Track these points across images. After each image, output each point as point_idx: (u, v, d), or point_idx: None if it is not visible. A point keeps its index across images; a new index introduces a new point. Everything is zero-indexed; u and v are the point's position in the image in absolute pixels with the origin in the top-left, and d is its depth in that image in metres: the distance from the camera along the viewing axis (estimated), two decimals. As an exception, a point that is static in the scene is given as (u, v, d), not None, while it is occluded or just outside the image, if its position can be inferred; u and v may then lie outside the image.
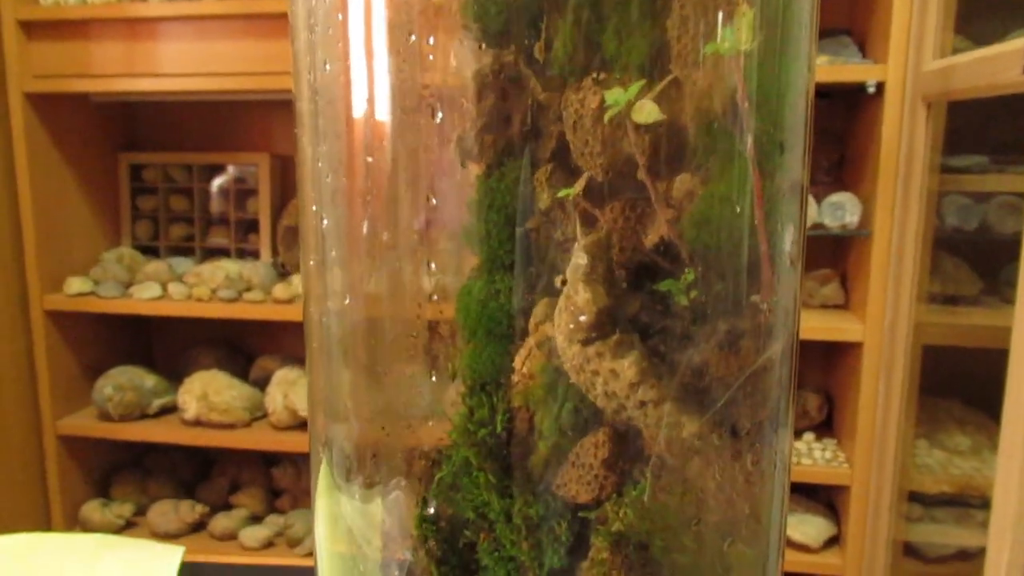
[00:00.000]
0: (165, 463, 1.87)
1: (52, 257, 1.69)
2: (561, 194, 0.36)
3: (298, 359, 1.81)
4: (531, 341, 0.40)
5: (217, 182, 1.89)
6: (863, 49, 1.46)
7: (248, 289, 1.65)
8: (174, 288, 1.66)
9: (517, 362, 0.41)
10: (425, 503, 0.39)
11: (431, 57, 0.33)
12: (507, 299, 0.42)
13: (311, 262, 0.33)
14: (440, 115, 0.34)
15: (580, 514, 0.38)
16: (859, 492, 1.43)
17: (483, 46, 0.41)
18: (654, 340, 0.31)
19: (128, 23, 1.55)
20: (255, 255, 1.85)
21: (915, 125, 1.29)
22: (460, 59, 0.42)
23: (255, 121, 1.89)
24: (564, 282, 0.31)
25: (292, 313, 1.61)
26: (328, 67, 0.31)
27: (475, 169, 0.43)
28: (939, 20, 1.28)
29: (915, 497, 1.46)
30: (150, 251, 1.89)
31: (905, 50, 1.30)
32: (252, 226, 1.88)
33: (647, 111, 0.28)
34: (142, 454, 1.90)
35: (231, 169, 1.88)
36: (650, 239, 0.36)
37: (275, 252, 1.83)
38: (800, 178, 0.29)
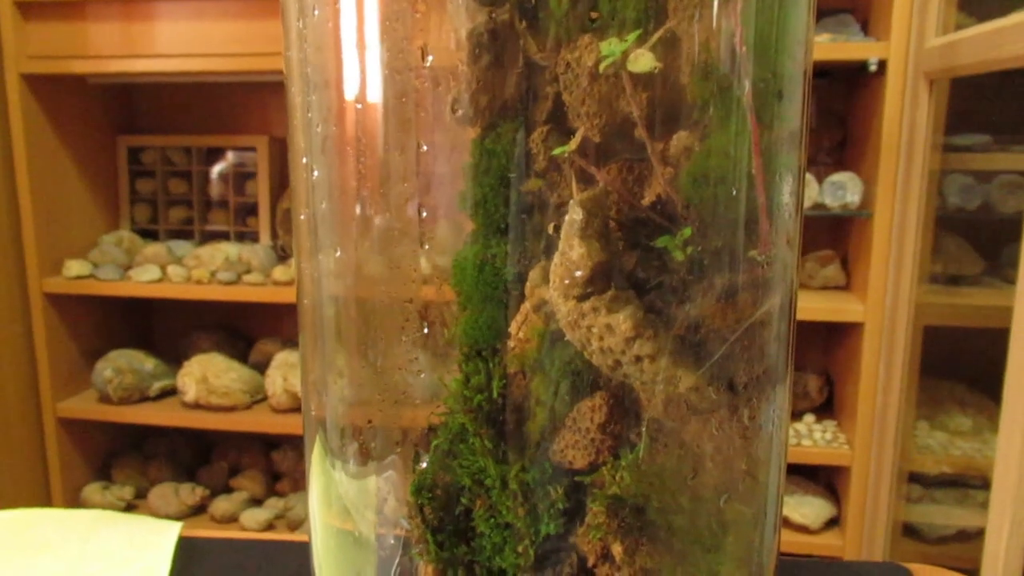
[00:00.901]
0: (165, 446, 1.87)
1: (51, 240, 1.69)
2: (557, 151, 0.35)
3: (298, 342, 1.80)
4: (527, 306, 0.40)
5: (216, 166, 1.88)
6: (865, 28, 1.44)
7: (247, 272, 1.65)
8: (173, 271, 1.65)
9: (513, 327, 0.41)
10: (418, 457, 0.39)
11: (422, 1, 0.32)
12: (503, 264, 0.41)
13: (301, 216, 0.32)
14: (431, 58, 0.33)
15: (576, 479, 0.38)
16: (859, 473, 1.43)
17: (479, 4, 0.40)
18: (650, 296, 0.30)
19: (124, 3, 1.54)
20: (254, 238, 1.85)
21: (917, 103, 1.28)
22: (454, 16, 0.41)
23: (254, 104, 1.88)
24: (556, 228, 0.31)
25: (291, 295, 1.61)
26: (316, 12, 0.30)
27: (470, 131, 0.42)
28: (942, -4, 1.27)
29: (915, 478, 1.46)
30: (149, 234, 1.88)
31: (908, 27, 1.29)
32: (251, 209, 1.87)
33: (643, 60, 0.28)
34: (142, 437, 1.90)
35: (230, 152, 1.87)
36: (648, 198, 0.36)
37: (274, 235, 1.83)
38: (799, 129, 0.28)
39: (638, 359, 0.29)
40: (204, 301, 1.66)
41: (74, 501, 1.77)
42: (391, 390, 0.44)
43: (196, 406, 1.66)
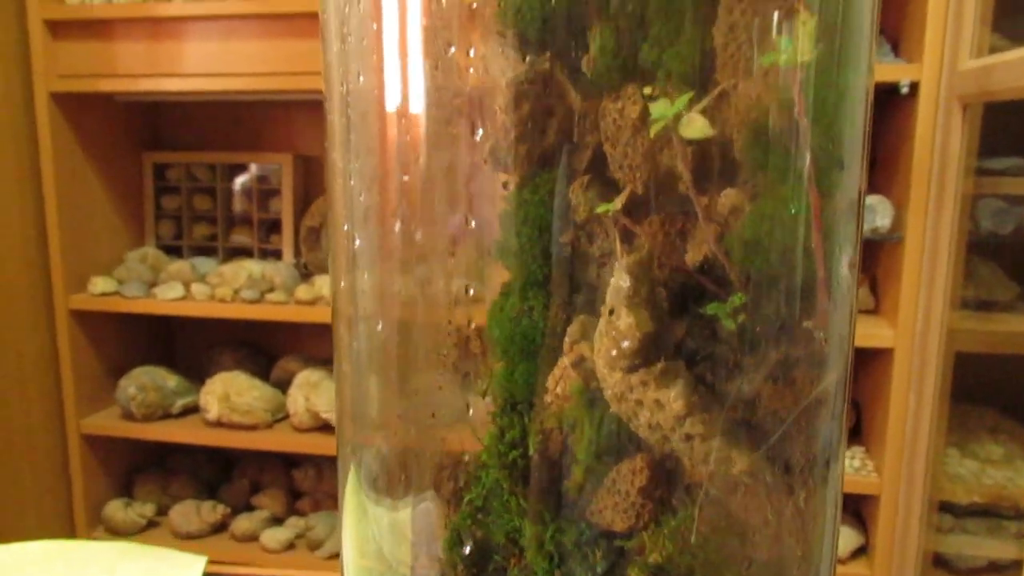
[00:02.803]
0: (187, 463, 1.87)
1: (77, 256, 1.70)
2: (600, 209, 0.34)
3: (320, 360, 1.80)
4: (565, 361, 0.39)
5: (240, 181, 1.89)
6: (896, 48, 1.43)
7: (270, 290, 1.65)
8: (197, 288, 1.65)
9: (551, 382, 0.40)
10: (457, 535, 0.37)
11: (469, 56, 0.31)
12: (540, 316, 0.40)
13: (341, 284, 0.32)
14: (479, 131, 0.32)
15: (616, 543, 0.37)
16: (888, 502, 1.40)
17: (519, 52, 0.39)
18: (700, 368, 0.29)
19: (153, 23, 1.55)
20: (277, 255, 1.85)
21: (950, 126, 1.26)
22: (495, 66, 0.40)
23: (279, 121, 1.89)
24: (612, 312, 0.30)
25: (314, 315, 1.60)
26: (362, 79, 0.29)
27: (509, 181, 0.41)
28: (976, 17, 1.25)
29: (946, 507, 1.43)
30: (173, 250, 1.89)
31: (940, 49, 1.27)
32: (275, 226, 1.87)
33: (697, 126, 0.27)
34: (164, 454, 1.90)
35: (254, 169, 1.87)
36: (693, 256, 0.34)
37: (297, 252, 1.83)
38: (858, 196, 0.27)
39: (689, 437, 0.28)
40: (227, 319, 1.67)
41: (96, 518, 1.78)
42: (429, 438, 0.43)
43: (218, 424, 1.66)
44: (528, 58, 0.40)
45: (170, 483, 1.83)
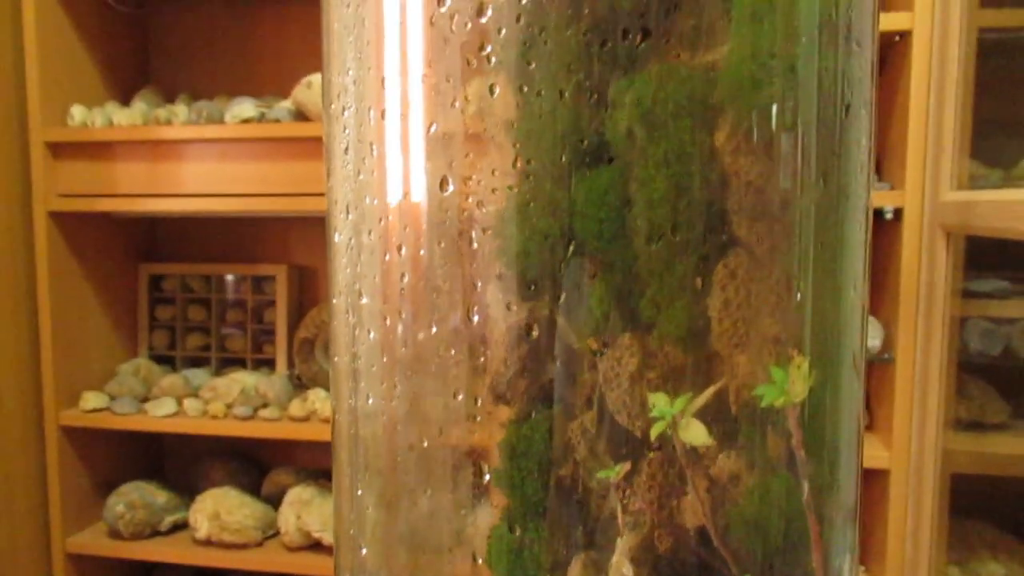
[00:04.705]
0: (174, 580, 1.83)
1: (69, 371, 1.69)
2: (601, 475, 0.35)
3: (312, 473, 1.78)
4: (567, 602, 0.39)
5: (235, 293, 1.90)
6: (879, 171, 1.46)
7: (264, 406, 1.64)
8: (189, 404, 1.65)
9: (552, 619, 0.40)
10: None
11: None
12: (541, 550, 0.41)
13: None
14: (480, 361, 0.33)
15: None
16: (890, 625, 1.38)
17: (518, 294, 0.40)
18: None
19: (152, 145, 1.58)
20: (270, 364, 1.85)
21: (935, 253, 1.28)
22: (494, 308, 0.41)
23: (274, 232, 1.91)
24: None
25: (308, 432, 1.59)
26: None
27: (508, 413, 0.42)
28: (955, 146, 1.29)
29: (949, 630, 1.41)
30: (166, 360, 1.88)
31: (922, 177, 1.30)
32: (268, 335, 1.88)
33: (695, 433, 0.28)
34: (151, 567, 1.86)
35: (249, 280, 1.89)
36: (693, 520, 0.35)
37: (291, 364, 1.83)
38: (854, 503, 0.28)
39: None
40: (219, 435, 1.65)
41: (79, 640, 1.73)
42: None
43: (208, 543, 1.63)
44: (527, 304, 0.41)
45: (156, 603, 1.78)
